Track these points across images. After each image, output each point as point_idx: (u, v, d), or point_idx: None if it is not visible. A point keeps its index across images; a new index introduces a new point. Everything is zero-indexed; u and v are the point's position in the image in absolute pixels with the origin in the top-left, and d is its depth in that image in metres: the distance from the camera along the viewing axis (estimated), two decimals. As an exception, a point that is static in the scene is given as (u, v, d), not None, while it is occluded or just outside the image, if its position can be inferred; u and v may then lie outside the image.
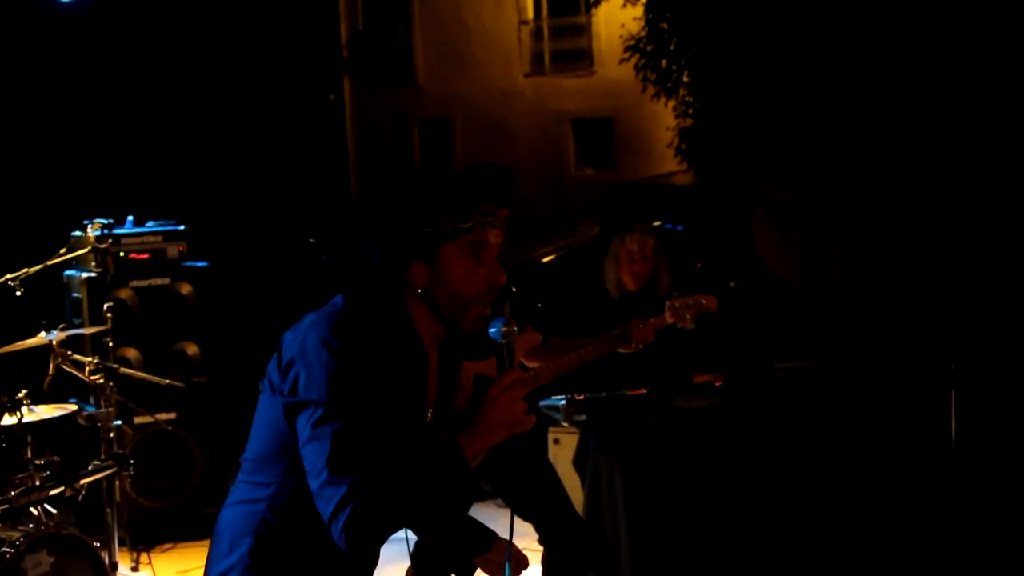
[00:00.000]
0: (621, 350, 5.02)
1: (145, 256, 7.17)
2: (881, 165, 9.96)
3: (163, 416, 6.98)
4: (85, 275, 6.91)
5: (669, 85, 14.25)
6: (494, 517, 6.65)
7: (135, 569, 6.48)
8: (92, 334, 6.50)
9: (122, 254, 7.02)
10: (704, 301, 5.14)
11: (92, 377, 5.98)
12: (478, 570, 3.39)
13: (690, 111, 14.09)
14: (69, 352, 5.97)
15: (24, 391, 5.57)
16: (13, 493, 5.07)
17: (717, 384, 5.87)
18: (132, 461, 5.59)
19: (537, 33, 21.51)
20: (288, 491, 2.59)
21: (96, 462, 5.61)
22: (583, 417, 5.47)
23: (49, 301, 6.91)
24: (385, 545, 2.59)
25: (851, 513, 5.84)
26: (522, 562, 3.20)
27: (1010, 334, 7.25)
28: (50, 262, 6.29)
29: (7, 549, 4.73)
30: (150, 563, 6.42)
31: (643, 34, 14.50)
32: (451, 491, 2.47)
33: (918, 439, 6.09)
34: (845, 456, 6.02)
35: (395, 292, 2.61)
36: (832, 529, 5.75)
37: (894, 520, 5.84)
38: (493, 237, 2.63)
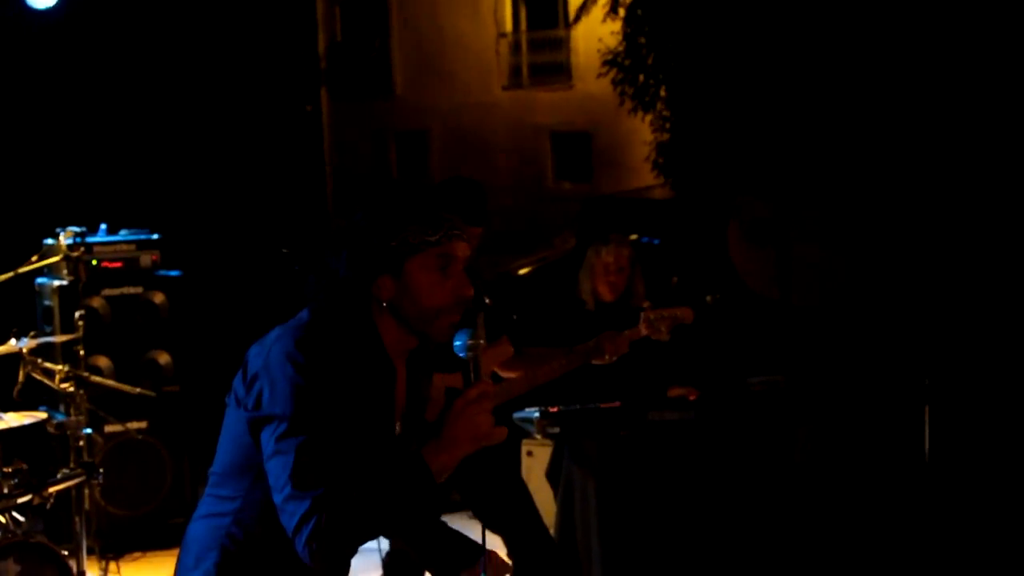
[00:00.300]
0: (595, 362, 5.02)
1: (118, 265, 7.14)
2: (858, 181, 9.99)
3: (134, 425, 6.94)
4: (57, 283, 6.87)
5: (647, 99, 14.27)
6: (465, 528, 6.62)
7: (104, 579, 6.43)
8: (63, 342, 6.46)
9: (95, 262, 6.98)
10: (679, 313, 5.14)
11: (62, 385, 5.94)
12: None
13: (667, 125, 14.12)
14: (39, 360, 5.93)
15: (-7, 399, 5.53)
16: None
17: (691, 398, 5.88)
18: (102, 470, 5.54)
19: (516, 46, 21.55)
20: (253, 505, 2.59)
21: (65, 470, 5.57)
22: (556, 429, 5.46)
23: (20, 309, 6.87)
24: (357, 555, 2.58)
25: (824, 527, 5.85)
26: (502, 569, 3.19)
27: (983, 350, 7.27)
28: (21, 270, 6.24)
29: (-26, 558, 4.69)
30: (119, 572, 6.37)
31: (621, 48, 14.53)
32: (416, 505, 2.47)
33: (891, 454, 6.10)
34: (818, 470, 6.03)
35: (362, 305, 2.60)
36: (805, 543, 5.75)
37: (867, 534, 5.84)
38: (460, 250, 2.64)
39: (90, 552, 6.12)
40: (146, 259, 7.21)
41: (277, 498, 2.45)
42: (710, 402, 5.81)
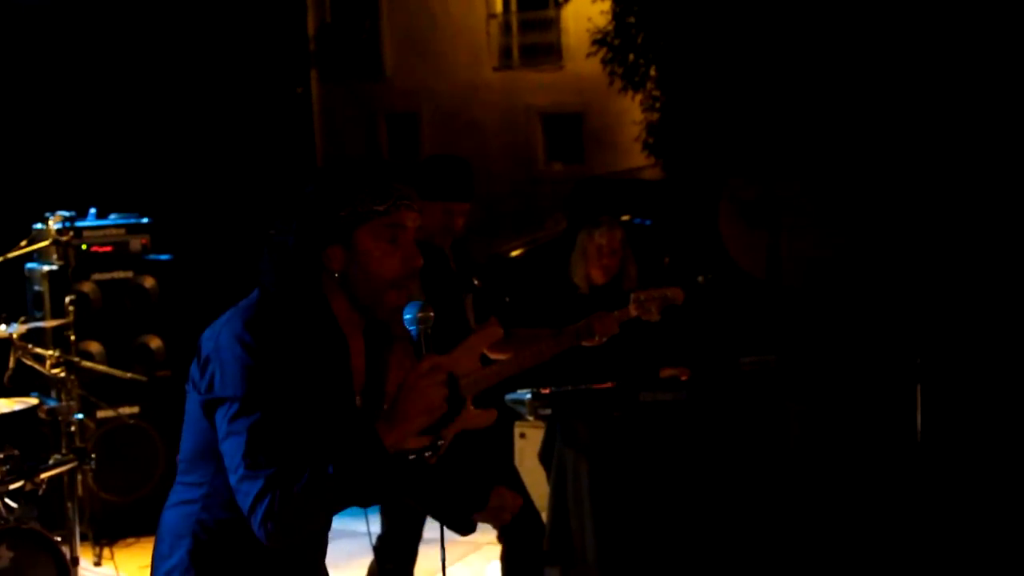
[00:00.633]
0: (585, 343, 5.00)
1: (108, 249, 7.12)
2: (848, 160, 9.99)
3: (126, 410, 6.94)
4: (47, 268, 6.85)
5: (636, 79, 14.25)
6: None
7: (97, 564, 6.43)
8: (54, 327, 6.44)
9: (84, 247, 6.96)
10: (669, 293, 5.12)
11: (53, 370, 5.93)
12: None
13: (657, 105, 14.10)
14: (30, 345, 5.92)
15: (-16, 385, 5.52)
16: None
17: (683, 378, 5.88)
18: (94, 455, 5.54)
19: (506, 27, 21.48)
20: (220, 491, 2.58)
21: (57, 456, 5.57)
22: (548, 411, 5.45)
23: (10, 294, 6.84)
24: (348, 539, 2.58)
25: (816, 506, 5.86)
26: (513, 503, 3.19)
27: (975, 328, 7.28)
28: (11, 255, 6.23)
29: (-34, 545, 4.69)
30: (112, 558, 6.37)
31: (610, 28, 14.50)
32: (370, 481, 2.46)
33: (883, 433, 6.10)
34: (810, 450, 6.04)
35: (313, 278, 2.60)
36: (797, 522, 5.76)
37: (859, 514, 5.85)
38: (410, 220, 2.63)
39: (83, 538, 6.12)
40: (136, 243, 7.18)
41: (232, 479, 2.46)
42: (702, 382, 5.82)
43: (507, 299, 5.21)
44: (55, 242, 6.63)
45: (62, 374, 5.94)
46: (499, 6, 21.40)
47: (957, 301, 7.51)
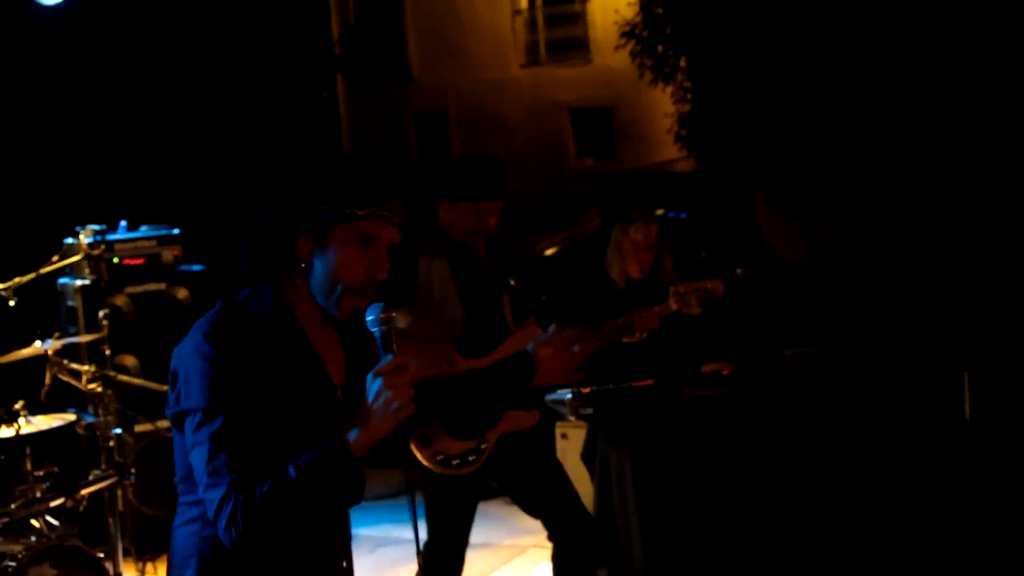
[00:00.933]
0: (625, 340, 4.95)
1: (140, 261, 7.10)
2: (887, 146, 9.87)
3: (164, 423, 6.90)
4: (79, 282, 6.83)
5: (666, 71, 14.16)
6: (502, 516, 6.57)
7: (141, 579, 6.41)
8: (88, 342, 6.43)
9: (116, 260, 6.95)
10: (709, 285, 5.07)
11: (90, 386, 5.91)
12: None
13: (688, 96, 14.01)
14: (65, 361, 5.91)
15: (21, 402, 5.51)
16: (14, 506, 5.02)
17: (724, 372, 5.82)
18: (134, 470, 5.52)
19: (532, 23, 21.41)
20: None
21: (97, 472, 5.55)
22: (589, 410, 5.41)
23: (43, 310, 6.83)
24: (394, 546, 2.56)
25: (863, 500, 5.77)
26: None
27: (1022, 313, 7.16)
28: (43, 270, 6.21)
29: (10, 563, 4.68)
30: (156, 573, 6.35)
31: (638, 19, 14.41)
32: (336, 483, 2.48)
33: (930, 422, 6.01)
34: (855, 442, 5.95)
35: (282, 265, 2.64)
36: (844, 516, 5.68)
37: (907, 506, 5.76)
38: (385, 232, 2.66)
39: (126, 554, 6.09)
40: (168, 254, 7.17)
41: (200, 489, 2.50)
42: (744, 376, 5.75)
43: (544, 298, 5.16)
44: (87, 256, 6.62)
45: (99, 389, 5.92)
46: (524, 2, 21.33)
47: (1003, 285, 7.39)
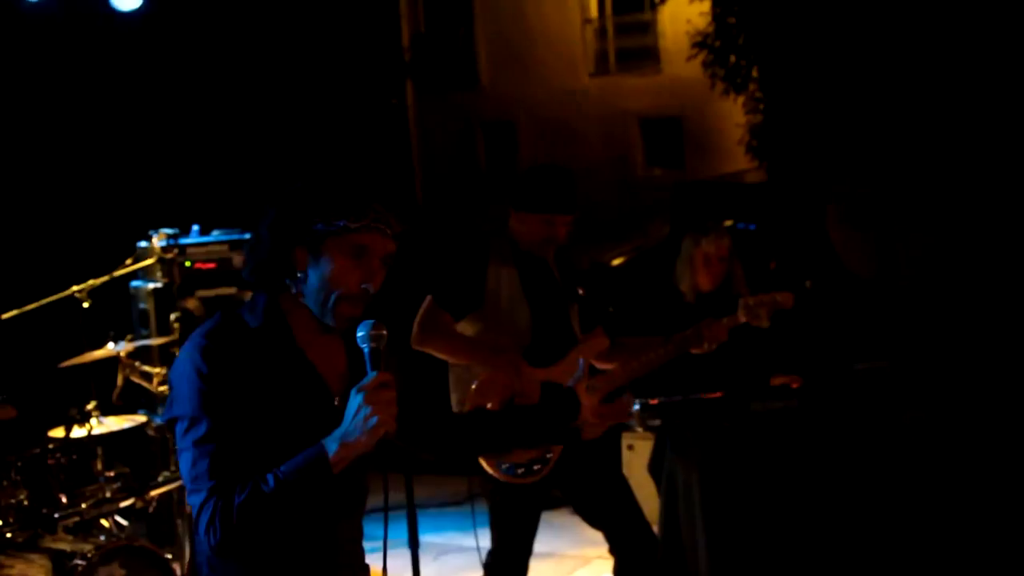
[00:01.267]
0: (693, 351, 4.91)
1: (211, 266, 7.16)
2: (961, 158, 9.74)
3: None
4: (151, 286, 6.90)
5: (739, 81, 14.10)
6: (567, 525, 6.55)
7: (206, 580, 6.44)
8: (159, 345, 6.48)
9: (188, 264, 7.02)
10: (779, 298, 5.01)
11: (160, 388, 5.97)
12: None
13: (760, 107, 13.93)
14: (137, 363, 5.97)
15: (93, 403, 5.58)
16: (84, 505, 5.09)
17: (794, 386, 5.76)
18: (202, 472, 5.55)
19: (601, 32, 21.38)
20: None
21: (166, 473, 5.60)
22: (657, 422, 5.38)
23: (116, 312, 6.92)
24: (456, 554, 2.56)
25: (936, 516, 5.67)
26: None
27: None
28: (116, 273, 6.28)
29: (79, 561, 4.73)
30: (221, 574, 6.38)
31: (711, 30, 14.35)
32: (312, 495, 2.54)
33: (1005, 439, 5.89)
34: (928, 458, 5.85)
35: (280, 273, 2.70)
36: (916, 532, 5.59)
37: (983, 523, 5.65)
38: (378, 244, 2.69)
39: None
40: (239, 259, 7.22)
41: (187, 495, 2.60)
42: (814, 390, 5.67)
43: (611, 309, 5.13)
44: (159, 260, 6.69)
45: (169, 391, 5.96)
46: (594, 11, 21.30)
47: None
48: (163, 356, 6.52)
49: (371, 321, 2.61)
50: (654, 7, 19.06)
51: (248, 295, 7.20)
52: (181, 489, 5.74)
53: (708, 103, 17.19)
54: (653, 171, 20.95)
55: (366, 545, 2.93)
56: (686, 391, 5.36)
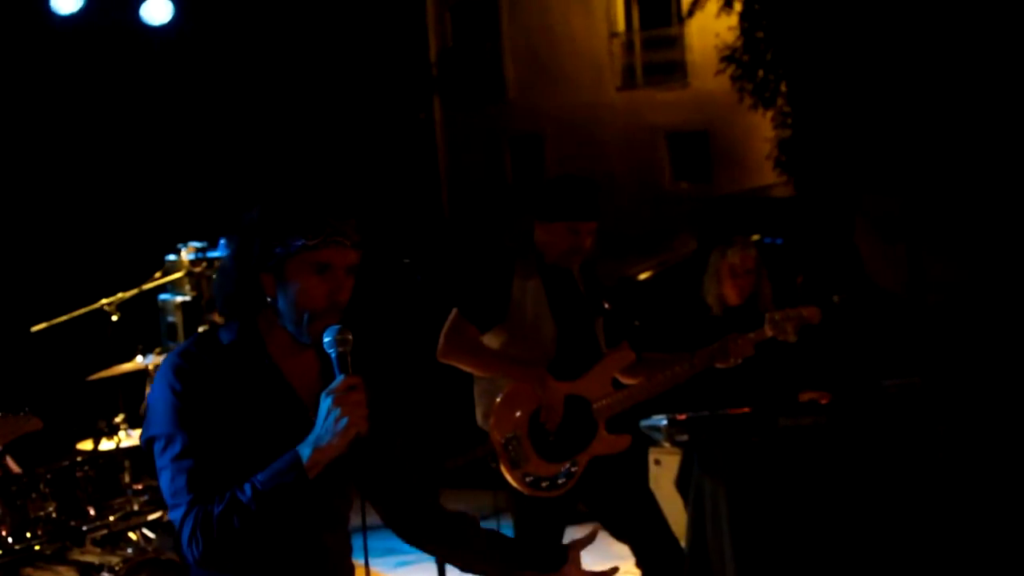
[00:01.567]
0: (719, 365, 4.88)
1: (239, 278, 7.16)
2: (991, 172, 9.68)
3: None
4: (180, 299, 6.93)
5: (767, 95, 14.08)
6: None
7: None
8: (188, 358, 6.49)
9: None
10: (805, 313, 4.98)
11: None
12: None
13: (788, 121, 13.90)
14: (165, 376, 5.96)
15: (122, 415, 5.59)
16: (112, 518, 5.09)
17: (823, 402, 5.72)
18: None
19: (629, 46, 21.37)
20: None
21: (193, 486, 5.59)
22: (685, 437, 5.34)
23: (145, 325, 6.94)
24: None
25: (967, 536, 5.62)
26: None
27: None
28: (145, 286, 6.30)
29: (107, 574, 4.74)
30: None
31: (739, 44, 14.33)
32: (290, 500, 2.57)
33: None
34: (959, 476, 5.80)
35: (250, 301, 2.74)
36: (947, 551, 5.54)
37: (1015, 542, 5.60)
38: (338, 257, 2.71)
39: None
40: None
41: (168, 511, 2.64)
42: (843, 406, 5.64)
43: (637, 323, 5.11)
44: (188, 273, 6.71)
45: (197, 404, 5.98)
46: (621, 25, 21.30)
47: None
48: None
49: (336, 327, 2.64)
50: (681, 21, 19.05)
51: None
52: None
53: (735, 117, 17.16)
54: (680, 185, 20.91)
55: (393, 560, 2.92)
56: (714, 406, 5.34)
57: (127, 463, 5.32)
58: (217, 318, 7.01)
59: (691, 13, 16.27)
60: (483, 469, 4.69)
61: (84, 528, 5.00)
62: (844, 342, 6.96)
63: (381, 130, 17.02)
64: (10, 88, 9.82)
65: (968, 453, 5.82)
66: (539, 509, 4.67)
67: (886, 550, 5.47)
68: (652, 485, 6.70)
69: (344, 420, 2.54)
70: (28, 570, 4.83)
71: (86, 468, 5.12)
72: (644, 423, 5.36)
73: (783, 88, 13.93)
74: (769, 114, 14.39)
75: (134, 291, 6.13)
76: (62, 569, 4.83)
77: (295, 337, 2.72)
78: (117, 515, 5.08)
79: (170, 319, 7.06)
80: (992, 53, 10.34)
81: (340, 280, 2.70)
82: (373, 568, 2.84)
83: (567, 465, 4.63)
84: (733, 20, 14.54)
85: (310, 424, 2.65)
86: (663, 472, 6.54)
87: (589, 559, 3.26)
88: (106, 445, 5.33)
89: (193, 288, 6.80)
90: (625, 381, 4.84)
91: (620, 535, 4.87)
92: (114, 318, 5.93)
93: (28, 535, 4.87)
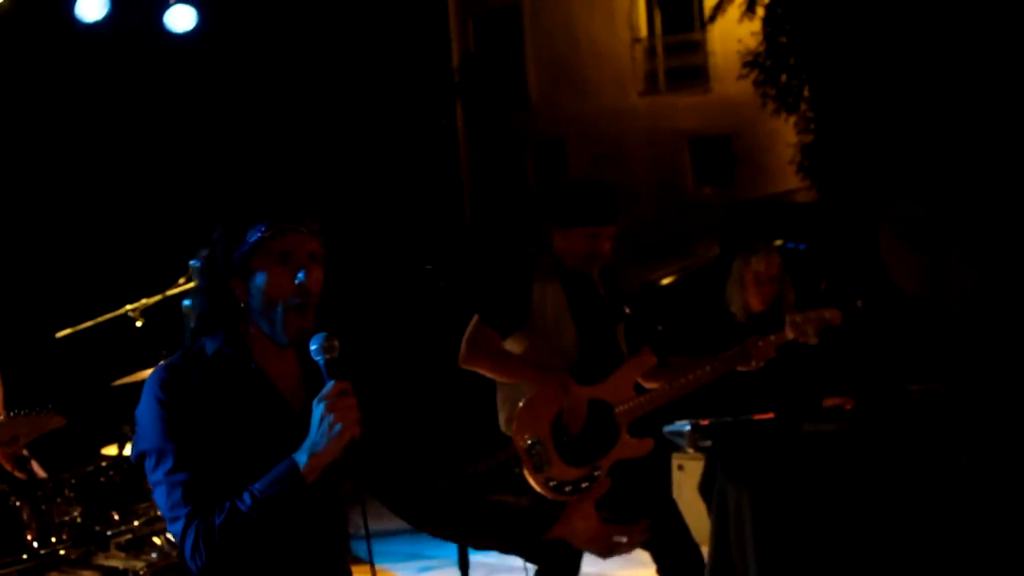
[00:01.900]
0: (741, 368, 4.88)
1: (263, 284, 7.17)
2: (1018, 178, 9.63)
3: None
4: (204, 304, 6.93)
5: (790, 100, 14.04)
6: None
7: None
8: (211, 363, 6.50)
9: (240, 283, 7.03)
10: (826, 315, 4.98)
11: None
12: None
13: (811, 126, 13.86)
14: (189, 382, 5.98)
15: (145, 421, 5.59)
16: (136, 523, 5.11)
17: (847, 407, 5.69)
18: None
19: (651, 51, 21.36)
20: None
21: (217, 491, 5.60)
22: (708, 443, 5.32)
23: (168, 331, 6.96)
24: (505, 574, 2.54)
25: (991, 542, 5.59)
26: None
27: None
28: (169, 292, 6.32)
29: (131, 579, 4.75)
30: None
31: (761, 49, 14.31)
32: (289, 507, 2.59)
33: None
34: (983, 483, 5.78)
35: (227, 312, 2.75)
36: (971, 557, 5.51)
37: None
38: (297, 243, 2.73)
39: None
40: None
41: (168, 525, 2.65)
42: (867, 412, 5.61)
43: (659, 327, 5.11)
44: (213, 278, 6.71)
45: (220, 409, 6.00)
46: (644, 30, 21.29)
47: None
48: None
49: (322, 334, 2.66)
50: (704, 26, 19.03)
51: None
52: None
53: (758, 122, 17.13)
54: (703, 190, 20.88)
55: (415, 564, 2.93)
56: (737, 411, 5.32)
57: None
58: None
59: (713, 18, 16.25)
60: (506, 474, 4.70)
61: (109, 533, 5.02)
62: (868, 347, 6.95)
63: (404, 136, 17.06)
64: (35, 95, 9.88)
65: (991, 459, 5.79)
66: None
67: (910, 556, 5.44)
68: (675, 490, 6.71)
69: (338, 426, 2.57)
70: (53, 574, 4.85)
71: (111, 473, 5.14)
72: (667, 429, 5.35)
73: (806, 93, 13.89)
74: (792, 119, 14.35)
75: (158, 297, 6.15)
76: (87, 574, 4.85)
77: (271, 337, 2.74)
78: (141, 520, 5.10)
79: (193, 325, 7.08)
80: (1019, 56, 10.29)
81: (304, 266, 2.72)
82: (397, 572, 2.84)
83: (590, 469, 4.63)
84: (756, 25, 14.51)
85: (298, 425, 2.68)
86: (686, 478, 6.53)
87: (610, 565, 3.26)
88: (130, 450, 5.35)
89: (217, 294, 6.81)
90: (647, 385, 4.84)
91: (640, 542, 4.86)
92: (138, 324, 5.94)
93: (53, 539, 4.90)
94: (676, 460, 6.76)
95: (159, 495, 2.65)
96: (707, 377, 4.81)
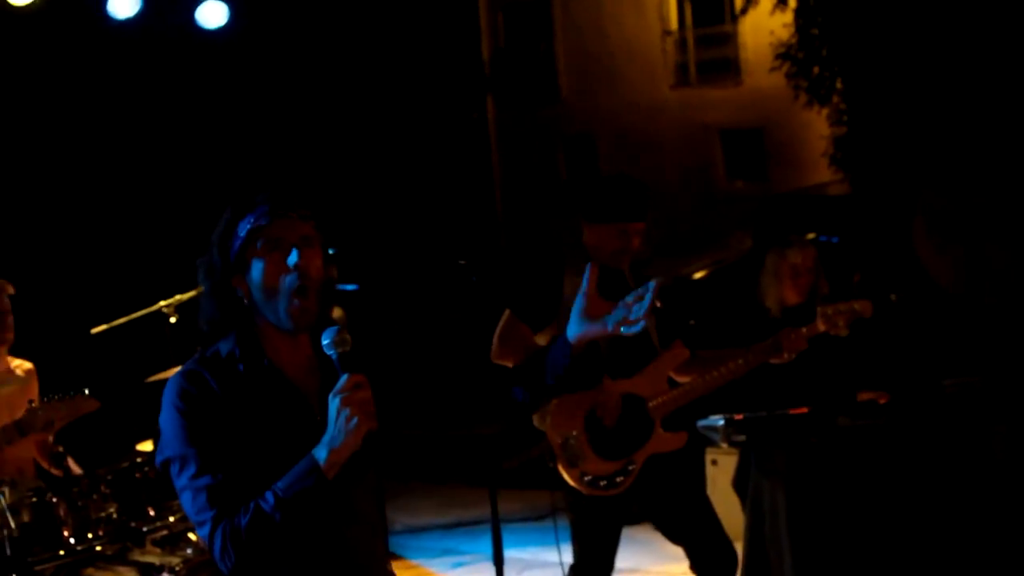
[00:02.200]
0: (773, 360, 4.88)
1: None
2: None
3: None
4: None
5: (822, 92, 13.98)
6: (649, 541, 6.50)
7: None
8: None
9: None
10: (857, 307, 4.96)
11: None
12: None
13: (844, 118, 13.79)
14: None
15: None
16: (172, 519, 5.14)
17: (882, 402, 5.66)
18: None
19: (682, 44, 21.30)
20: None
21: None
22: (742, 438, 5.31)
23: (189, 335, 6.99)
24: (539, 569, 2.54)
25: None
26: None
27: None
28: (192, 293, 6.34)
29: (167, 574, 4.78)
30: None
31: (793, 41, 14.25)
32: (313, 503, 2.60)
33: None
34: (1018, 476, 5.74)
35: (235, 314, 2.77)
36: (1007, 552, 5.48)
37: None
38: (288, 229, 2.74)
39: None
40: (333, 272, 7.24)
41: (196, 529, 2.69)
42: (902, 406, 5.58)
43: (693, 322, 5.10)
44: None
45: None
46: (674, 23, 21.23)
47: None
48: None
49: (334, 328, 2.68)
50: (735, 18, 18.94)
51: (334, 311, 7.28)
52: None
53: (790, 115, 17.05)
54: (735, 183, 20.80)
55: (449, 560, 2.93)
56: (772, 407, 5.30)
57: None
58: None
59: (745, 10, 16.18)
60: (540, 469, 4.70)
61: (144, 529, 5.05)
62: (902, 341, 6.91)
63: (434, 131, 17.07)
64: (69, 92, 9.94)
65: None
66: (596, 508, 4.67)
67: (945, 551, 5.41)
68: (709, 486, 6.68)
69: (355, 419, 2.58)
70: (89, 570, 4.89)
71: (146, 469, 5.17)
72: (701, 423, 5.34)
73: (838, 85, 13.82)
74: (824, 111, 14.29)
75: (192, 293, 6.17)
76: (123, 569, 4.89)
77: (279, 327, 2.76)
78: (177, 516, 5.14)
79: (205, 331, 7.09)
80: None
81: (298, 249, 2.73)
82: (430, 569, 2.85)
83: (624, 463, 4.63)
84: (788, 17, 14.44)
85: (315, 418, 2.70)
86: (720, 473, 6.51)
87: (645, 560, 3.25)
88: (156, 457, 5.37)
89: (247, 291, 6.83)
90: (680, 379, 4.84)
91: (674, 537, 4.86)
92: (172, 320, 5.97)
93: (89, 536, 4.94)
94: (710, 455, 6.73)
95: (185, 500, 2.69)
96: (740, 370, 4.80)
